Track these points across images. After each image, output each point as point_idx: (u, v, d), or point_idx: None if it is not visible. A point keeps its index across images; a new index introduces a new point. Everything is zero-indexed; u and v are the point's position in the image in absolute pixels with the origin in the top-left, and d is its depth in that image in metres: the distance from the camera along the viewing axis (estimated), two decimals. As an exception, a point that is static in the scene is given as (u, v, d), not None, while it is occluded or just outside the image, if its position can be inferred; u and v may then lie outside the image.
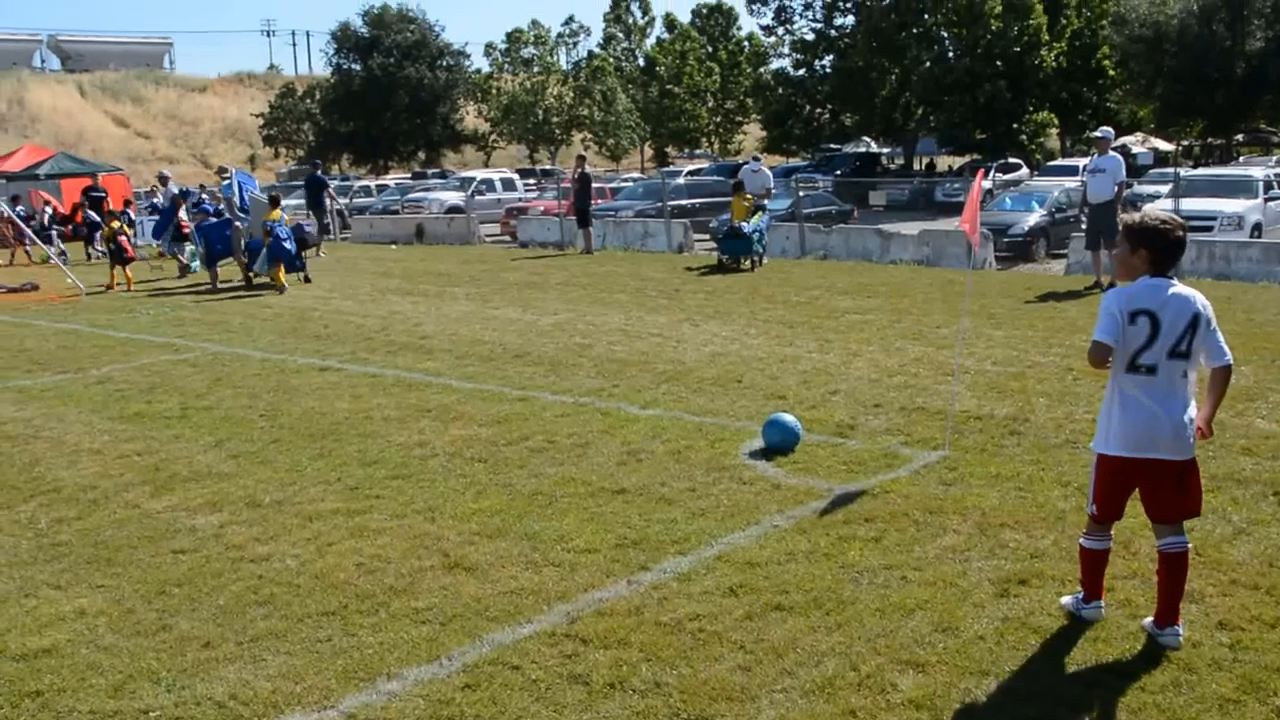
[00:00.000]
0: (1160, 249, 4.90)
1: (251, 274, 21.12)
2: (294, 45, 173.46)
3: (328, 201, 30.13)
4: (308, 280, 21.44)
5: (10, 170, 37.55)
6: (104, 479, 8.30)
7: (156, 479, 8.23)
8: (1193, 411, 4.94)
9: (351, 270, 23.50)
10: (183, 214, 24.16)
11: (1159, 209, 5.17)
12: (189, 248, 24.15)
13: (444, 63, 71.48)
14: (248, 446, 9.01)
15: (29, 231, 27.60)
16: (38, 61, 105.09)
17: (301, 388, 11.20)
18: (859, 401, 9.67)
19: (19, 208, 30.38)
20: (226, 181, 22.84)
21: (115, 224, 23.13)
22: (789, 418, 8.47)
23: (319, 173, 29.70)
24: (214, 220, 22.15)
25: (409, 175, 61.26)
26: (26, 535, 7.19)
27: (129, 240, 23.56)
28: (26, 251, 28.41)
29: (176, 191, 25.65)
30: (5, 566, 6.65)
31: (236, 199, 22.11)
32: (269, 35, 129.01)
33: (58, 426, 10.09)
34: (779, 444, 8.23)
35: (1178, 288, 4.92)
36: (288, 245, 20.66)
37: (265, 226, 20.50)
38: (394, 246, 29.32)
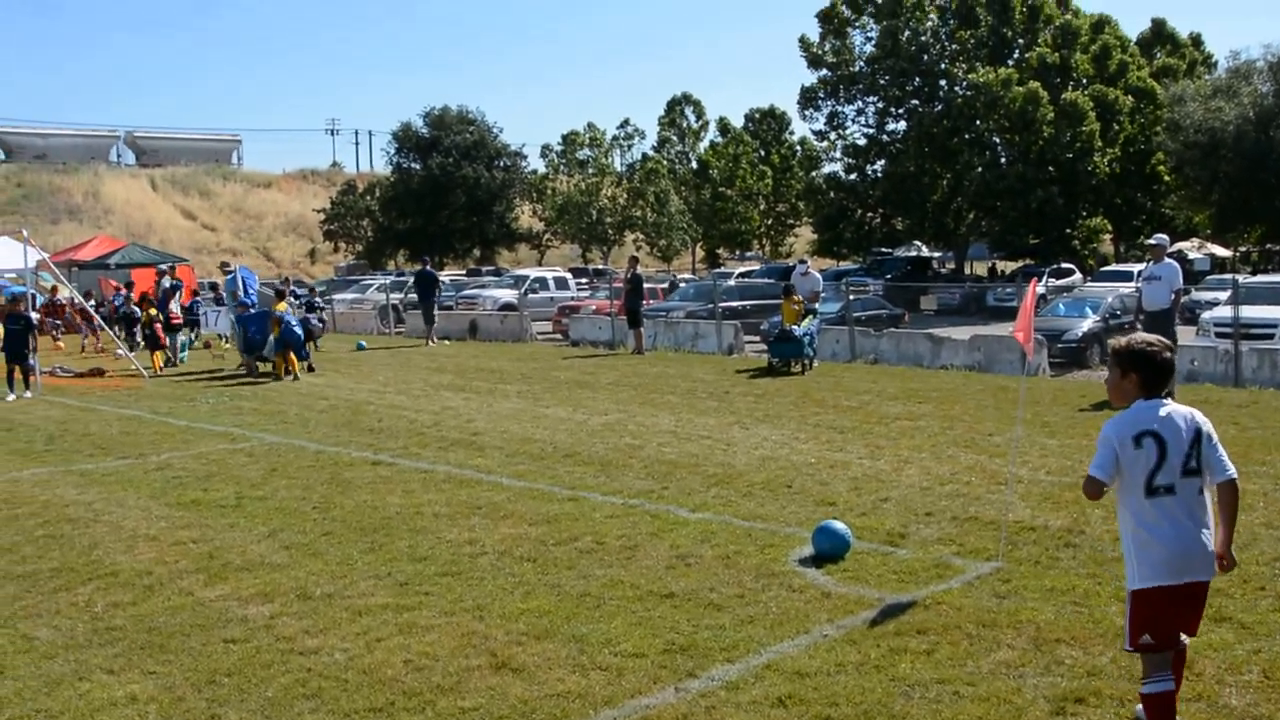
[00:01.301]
0: (1150, 372, 4.95)
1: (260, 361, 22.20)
2: (356, 144, 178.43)
3: (436, 295, 30.73)
4: (311, 369, 22.51)
5: (83, 259, 38.53)
6: (159, 565, 8.40)
7: (210, 567, 8.31)
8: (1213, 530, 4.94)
9: (405, 365, 23.79)
10: (174, 306, 25.11)
11: (1145, 334, 5.24)
12: (180, 338, 25.57)
13: (501, 163, 72.82)
14: (300, 538, 9.09)
15: (97, 319, 28.20)
16: (114, 156, 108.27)
17: (354, 481, 11.31)
18: (910, 510, 9.60)
19: (90, 297, 31.16)
20: (230, 275, 24.34)
21: (152, 311, 23.97)
22: (839, 525, 8.43)
23: (428, 267, 30.37)
24: (252, 312, 22.98)
25: (464, 272, 62.06)
26: (83, 618, 7.28)
27: (163, 328, 24.66)
28: (96, 338, 29.14)
29: (168, 285, 26.29)
30: (61, 649, 6.73)
31: (241, 291, 23.48)
32: (333, 134, 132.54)
33: (117, 511, 10.24)
34: (829, 551, 8.19)
35: (1171, 406, 4.94)
36: (297, 333, 21.80)
37: (275, 316, 21.64)
38: (447, 342, 29.62)
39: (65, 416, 17.16)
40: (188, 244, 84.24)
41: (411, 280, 33.67)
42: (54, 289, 34.29)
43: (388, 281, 42.05)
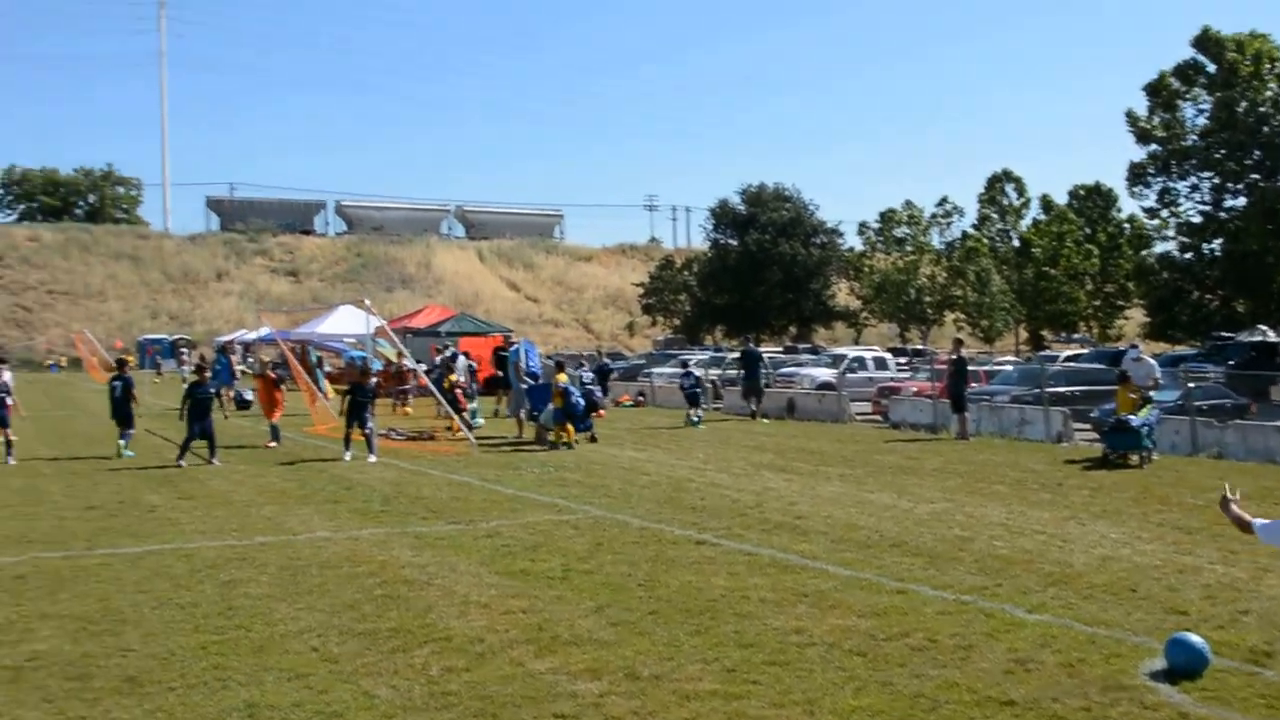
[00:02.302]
0: None
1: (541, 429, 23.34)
2: (674, 220, 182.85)
3: (761, 371, 31.19)
4: (594, 440, 23.49)
5: (416, 326, 40.88)
6: (490, 633, 8.60)
7: (539, 638, 8.44)
8: None
9: (725, 442, 23.91)
10: (459, 375, 27.08)
11: None
12: (472, 406, 27.12)
13: (818, 240, 73.06)
14: (627, 615, 9.13)
15: (429, 383, 29.71)
16: (445, 229, 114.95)
17: (679, 560, 11.33)
18: (1275, 625, 8.77)
19: (420, 362, 32.94)
20: (514, 348, 25.91)
21: (452, 378, 25.52)
22: (1195, 638, 7.77)
23: (752, 344, 31.00)
24: (538, 384, 24.28)
25: (780, 349, 62.28)
26: (420, 680, 7.51)
27: (465, 394, 26.47)
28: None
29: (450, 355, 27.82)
30: (400, 709, 6.96)
31: (523, 364, 24.78)
32: (651, 210, 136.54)
33: (450, 576, 10.63)
34: (1185, 667, 7.55)
35: None
36: (578, 405, 22.79)
37: (557, 388, 22.68)
38: (765, 420, 29.62)
39: (399, 479, 18.10)
40: (512, 314, 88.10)
41: (734, 357, 34.10)
42: (398, 355, 36.47)
43: (705, 357, 42.55)
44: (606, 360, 35.23)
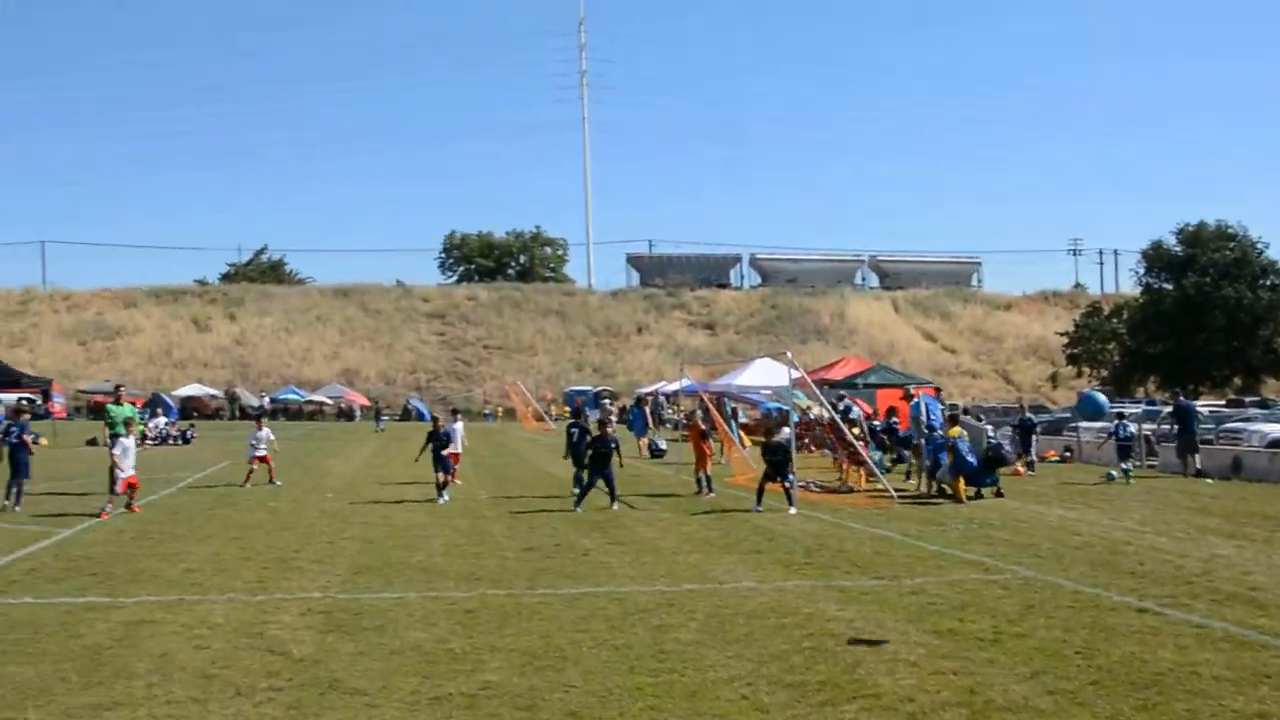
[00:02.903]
0: None
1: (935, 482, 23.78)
2: (1100, 264, 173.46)
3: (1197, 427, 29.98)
4: (1000, 494, 23.17)
5: (833, 378, 41.02)
6: (921, 693, 8.40)
7: (973, 702, 8.16)
8: None
9: (1163, 503, 22.41)
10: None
11: None
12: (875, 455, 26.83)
13: (1267, 282, 67.29)
14: (1065, 684, 8.66)
15: (849, 436, 29.66)
16: (859, 279, 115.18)
17: (1119, 628, 10.65)
18: None
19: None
20: (914, 402, 25.88)
21: (855, 430, 25.28)
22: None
23: (1183, 399, 29.50)
24: (938, 437, 24.10)
25: (1223, 402, 57.74)
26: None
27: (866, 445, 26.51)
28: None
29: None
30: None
31: (923, 418, 24.72)
32: (1075, 254, 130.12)
33: (876, 631, 10.49)
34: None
35: None
36: (970, 460, 22.78)
37: (949, 444, 22.97)
38: (1208, 480, 27.50)
39: (820, 531, 18.11)
40: (928, 365, 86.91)
41: (1168, 411, 32.23)
42: (808, 408, 36.70)
43: (1139, 410, 40.11)
44: (1029, 415, 33.78)
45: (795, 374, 26.81)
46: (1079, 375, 78.65)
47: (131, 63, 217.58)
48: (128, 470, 19.90)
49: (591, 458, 21.08)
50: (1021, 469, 29.39)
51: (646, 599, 12.21)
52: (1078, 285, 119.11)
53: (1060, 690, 8.50)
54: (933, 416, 24.78)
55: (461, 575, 13.77)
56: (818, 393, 30.40)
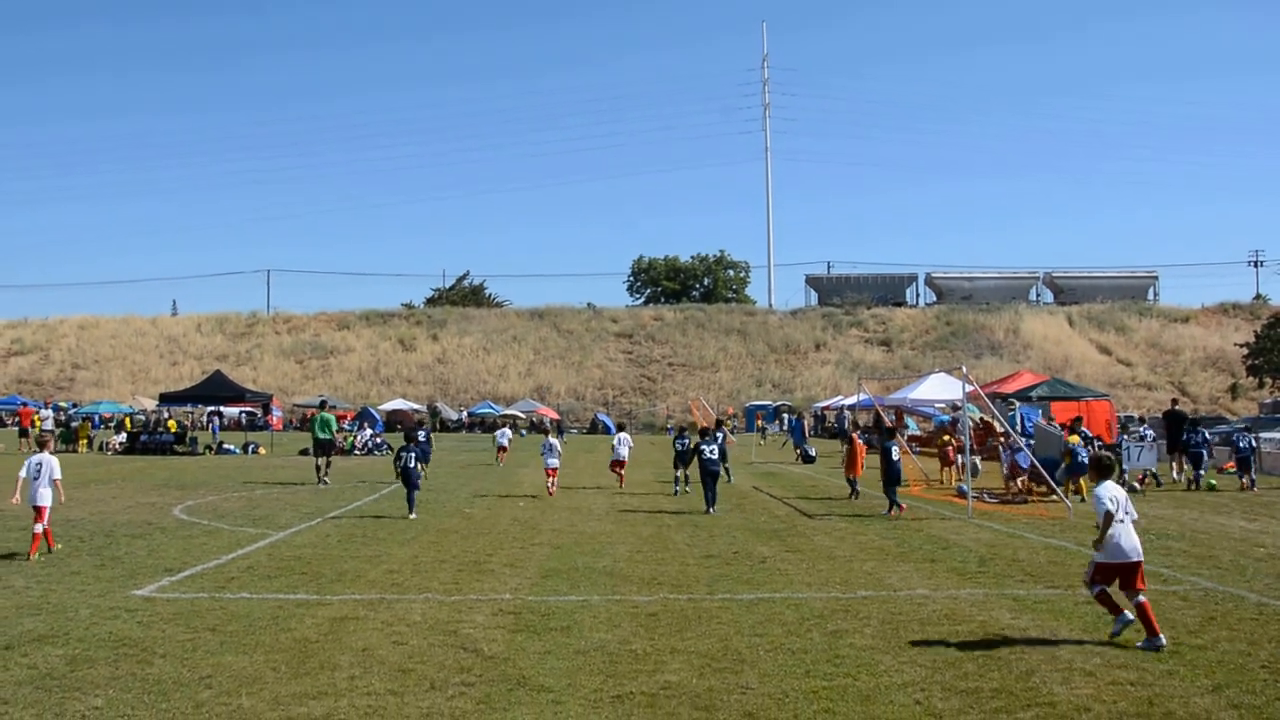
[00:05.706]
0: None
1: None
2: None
3: None
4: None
5: (1007, 392, 40.46)
6: (1097, 702, 8.44)
7: (1151, 714, 8.19)
8: None
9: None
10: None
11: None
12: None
13: None
14: (1250, 699, 8.62)
15: (1025, 449, 29.32)
16: (1033, 295, 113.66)
17: (1305, 642, 10.50)
18: None
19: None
20: (1012, 412, 28.33)
21: (946, 438, 27.81)
22: None
23: None
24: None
25: None
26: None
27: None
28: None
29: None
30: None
31: (1019, 427, 27.11)
32: (1256, 265, 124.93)
33: (1050, 640, 10.54)
34: None
35: None
36: (1082, 463, 24.95)
37: (1067, 449, 25.95)
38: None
39: (994, 540, 18.09)
40: (1103, 378, 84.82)
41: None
42: (983, 419, 36.29)
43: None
44: (1203, 430, 32.67)
45: (969, 388, 26.67)
46: (1260, 386, 75.66)
47: (357, 107, 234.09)
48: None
49: (701, 475, 23.16)
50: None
51: (822, 605, 12.43)
52: (1258, 297, 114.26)
53: (1245, 705, 8.44)
54: (1029, 427, 27.57)
55: (644, 580, 14.17)
56: (990, 405, 30.12)
